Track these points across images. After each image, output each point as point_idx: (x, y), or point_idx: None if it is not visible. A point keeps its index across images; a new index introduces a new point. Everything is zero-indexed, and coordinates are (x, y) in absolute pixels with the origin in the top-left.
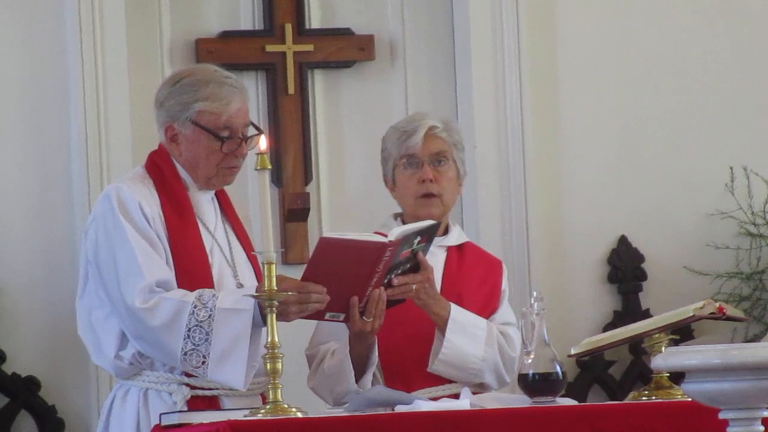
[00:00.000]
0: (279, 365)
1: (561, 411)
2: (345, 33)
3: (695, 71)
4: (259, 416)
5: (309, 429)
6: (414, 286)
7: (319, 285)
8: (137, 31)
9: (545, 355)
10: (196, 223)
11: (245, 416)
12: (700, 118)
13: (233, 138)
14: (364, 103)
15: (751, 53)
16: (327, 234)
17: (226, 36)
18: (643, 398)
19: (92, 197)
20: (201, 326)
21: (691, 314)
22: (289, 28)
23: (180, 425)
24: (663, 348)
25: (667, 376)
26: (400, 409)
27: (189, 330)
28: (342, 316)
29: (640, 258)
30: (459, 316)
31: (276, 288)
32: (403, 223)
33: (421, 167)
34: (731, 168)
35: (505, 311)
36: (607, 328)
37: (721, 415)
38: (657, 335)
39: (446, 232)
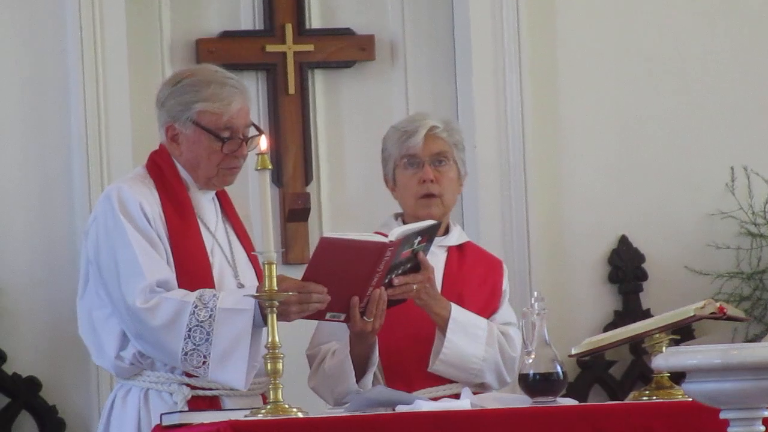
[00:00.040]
0: (280, 365)
1: (562, 411)
2: (345, 33)
3: (695, 71)
4: (260, 416)
5: (310, 429)
6: (415, 286)
7: (319, 285)
8: (137, 31)
9: (546, 355)
10: (197, 223)
11: (246, 416)
12: (701, 118)
13: (234, 138)
14: (364, 103)
15: (751, 53)
16: (328, 234)
17: (227, 36)
18: (644, 398)
19: (92, 197)
20: (202, 326)
21: (692, 314)
22: (289, 28)
23: (181, 425)
24: (664, 348)
25: (668, 376)
26: (401, 409)
27: (190, 330)
28: (343, 316)
29: (641, 258)
30: (460, 316)
31: (277, 288)
32: (404, 223)
33: (421, 167)
34: (732, 168)
35: (506, 311)
36: (607, 328)
37: (722, 415)
38: (657, 335)
39: (447, 232)
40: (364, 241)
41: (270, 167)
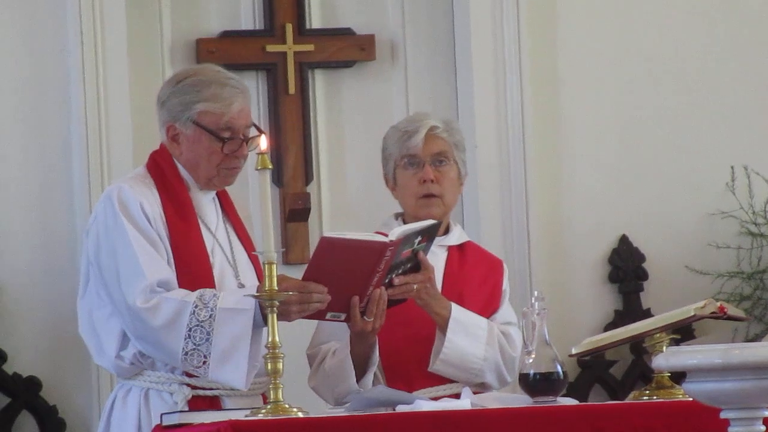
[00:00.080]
0: (280, 365)
1: (562, 411)
2: (345, 33)
3: (695, 71)
4: (260, 416)
5: (310, 429)
6: (415, 286)
7: (320, 285)
8: (138, 31)
9: (546, 354)
10: (198, 223)
11: (246, 416)
12: (701, 117)
13: (234, 139)
14: (364, 103)
15: (751, 53)
16: (328, 234)
17: (227, 36)
18: (644, 398)
19: (93, 197)
20: (202, 326)
21: (692, 314)
22: (289, 28)
23: (181, 425)
24: (664, 348)
25: (668, 376)
26: (401, 409)
27: (190, 330)
28: (343, 316)
29: (641, 257)
30: (460, 315)
31: (277, 288)
32: (404, 222)
33: (422, 167)
34: (732, 167)
35: (506, 311)
36: (608, 327)
37: (722, 415)
38: (658, 335)
39: (447, 231)
40: (365, 241)
41: (270, 167)
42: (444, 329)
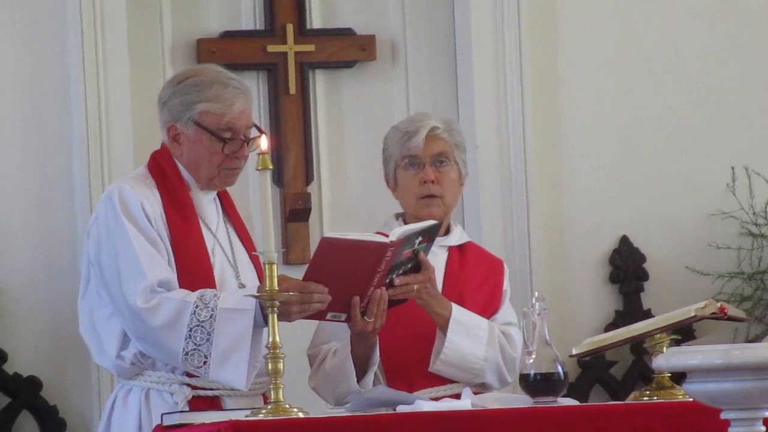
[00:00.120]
0: (280, 365)
1: (562, 411)
2: (346, 33)
3: (695, 71)
4: (261, 416)
5: (310, 429)
6: (415, 286)
7: (320, 285)
8: (138, 31)
9: (547, 355)
10: (198, 223)
11: (247, 416)
12: (701, 118)
13: (235, 139)
14: (365, 104)
15: (751, 53)
16: (328, 234)
17: (228, 36)
18: (645, 398)
19: (93, 197)
20: (202, 326)
21: (693, 314)
22: (290, 28)
23: (181, 425)
24: (664, 348)
25: (669, 377)
26: (402, 409)
27: (190, 330)
28: (343, 316)
29: (642, 258)
30: (460, 316)
31: (277, 288)
32: (405, 223)
33: (422, 168)
34: (732, 168)
35: (507, 311)
36: (608, 328)
37: (723, 416)
38: (658, 335)
39: (448, 232)
40: (365, 241)
41: (271, 167)
42: (444, 329)
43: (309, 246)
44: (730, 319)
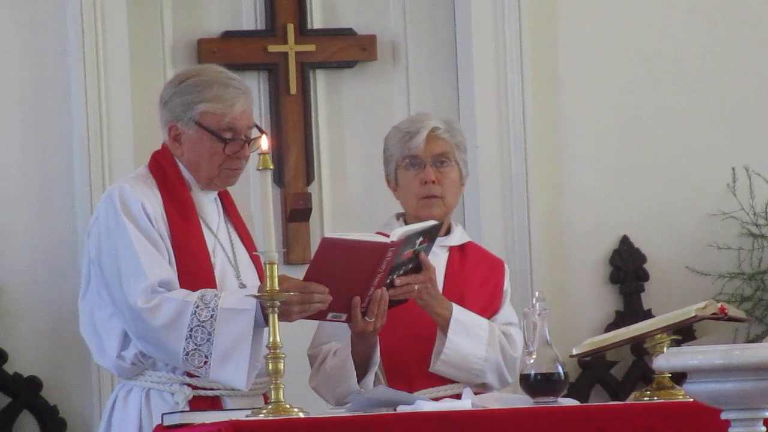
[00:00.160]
0: (281, 365)
1: (563, 411)
2: (347, 33)
3: (696, 71)
4: (261, 416)
5: (311, 429)
6: (416, 287)
7: (321, 285)
8: (139, 31)
9: (547, 355)
10: (199, 223)
11: (247, 416)
12: (702, 118)
13: (236, 140)
14: (365, 104)
15: (752, 53)
16: (329, 234)
17: (228, 36)
18: (645, 398)
19: (94, 197)
20: (203, 326)
21: (693, 315)
22: (291, 29)
23: (182, 425)
24: (665, 348)
25: (669, 377)
26: (402, 409)
27: (191, 330)
28: (344, 317)
29: (642, 258)
30: (461, 316)
31: (278, 288)
32: (405, 223)
33: (423, 168)
34: (733, 168)
35: (507, 311)
36: (609, 328)
37: (723, 416)
38: (659, 335)
39: (448, 232)
40: (366, 242)
41: (271, 167)
42: (445, 330)
43: (310, 246)
44: (731, 319)
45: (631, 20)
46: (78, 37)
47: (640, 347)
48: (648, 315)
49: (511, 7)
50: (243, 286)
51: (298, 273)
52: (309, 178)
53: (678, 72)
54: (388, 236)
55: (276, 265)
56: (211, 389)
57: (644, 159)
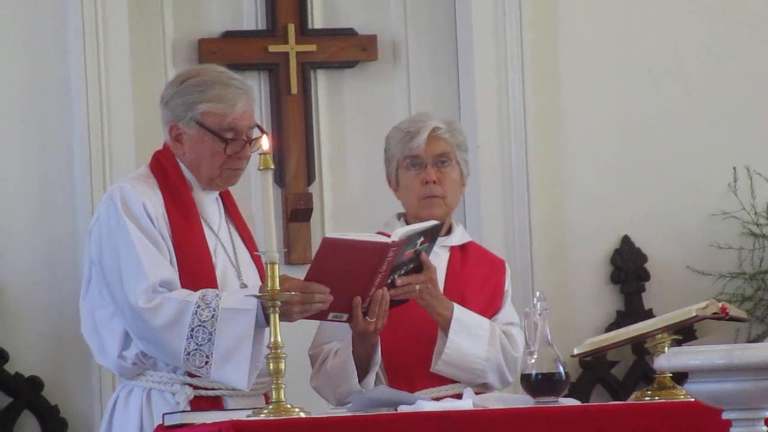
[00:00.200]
0: (282, 365)
1: (564, 411)
2: (348, 33)
3: (697, 71)
4: (262, 416)
5: (312, 429)
6: (417, 287)
7: (322, 285)
8: (140, 31)
9: (548, 355)
10: (200, 223)
11: (248, 416)
12: (702, 118)
13: (237, 140)
14: (366, 104)
15: (751, 53)
16: (330, 234)
17: (229, 36)
18: (646, 398)
19: (94, 197)
20: (204, 326)
21: (694, 314)
22: (291, 29)
23: (183, 425)
24: (666, 348)
25: (670, 377)
26: (403, 409)
27: (192, 330)
28: (345, 317)
29: (643, 258)
30: (462, 316)
31: (279, 288)
32: (406, 223)
33: (424, 168)
34: (734, 168)
35: (508, 311)
36: (610, 328)
37: (725, 416)
38: (660, 335)
39: (449, 232)
40: (367, 242)
41: (272, 167)
42: (446, 330)
43: (310, 246)
44: (732, 319)
45: (632, 20)
46: (78, 37)
47: (641, 347)
48: (649, 315)
49: (512, 7)
50: (244, 286)
51: (299, 273)
52: (310, 178)
53: (678, 72)
54: (389, 236)
55: (277, 265)
56: (212, 389)
57: (645, 159)
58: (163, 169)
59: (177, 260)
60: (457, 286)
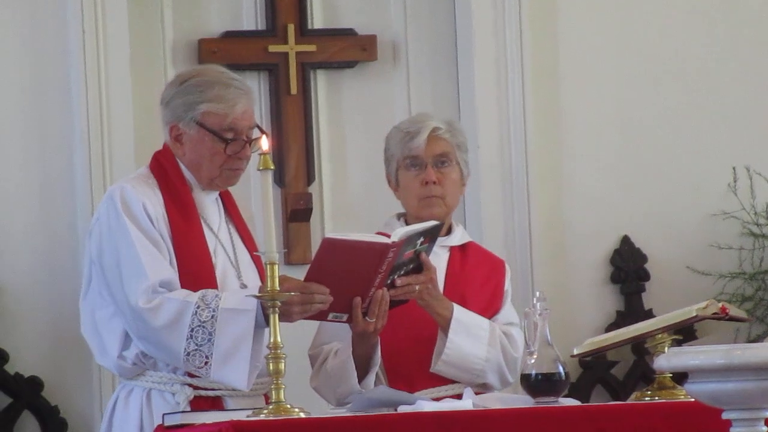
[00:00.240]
0: (282, 365)
1: (564, 411)
2: (347, 33)
3: (697, 71)
4: (262, 416)
5: (312, 429)
6: (417, 287)
7: (322, 285)
8: (140, 31)
9: (548, 355)
10: (200, 224)
11: (248, 416)
12: (702, 118)
13: (237, 140)
14: (366, 104)
15: (751, 53)
16: (330, 234)
17: (229, 36)
18: (646, 398)
19: (94, 197)
20: (204, 326)
21: (694, 314)
22: (291, 29)
23: (183, 425)
24: (666, 348)
25: (670, 377)
26: (403, 409)
27: (192, 330)
28: (345, 317)
29: (643, 258)
30: (462, 316)
31: (279, 288)
32: (406, 223)
33: (424, 168)
34: (734, 168)
35: (508, 311)
36: (610, 328)
37: (725, 416)
38: (660, 335)
39: (449, 232)
40: (367, 242)
41: (272, 167)
42: (446, 330)
43: (310, 246)
44: (732, 319)
45: (632, 20)
46: (78, 37)
47: (641, 347)
48: (649, 315)
49: (512, 6)
50: (244, 286)
51: (299, 273)
52: (309, 178)
53: (678, 72)
54: (388, 236)
55: (277, 266)
56: (212, 389)
57: (645, 159)
58: (163, 169)
59: (177, 260)
60: (457, 287)
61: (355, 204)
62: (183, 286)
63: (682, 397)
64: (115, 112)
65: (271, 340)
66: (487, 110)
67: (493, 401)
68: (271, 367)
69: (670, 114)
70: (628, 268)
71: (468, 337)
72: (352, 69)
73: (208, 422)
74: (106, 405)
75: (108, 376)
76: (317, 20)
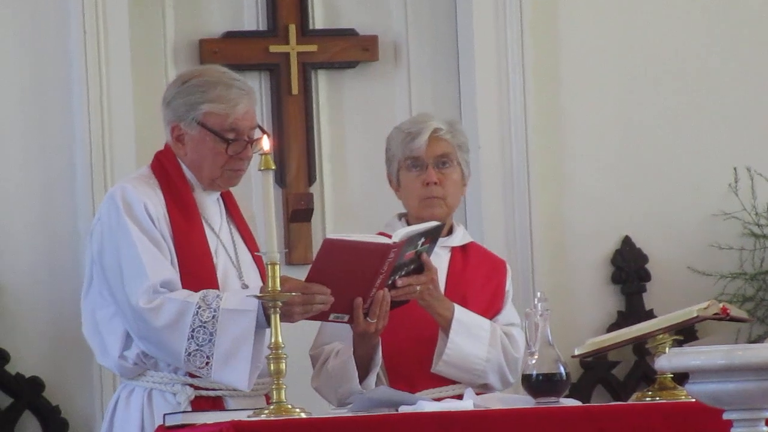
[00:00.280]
0: (283, 366)
1: (565, 411)
2: (349, 33)
3: (697, 71)
4: (263, 417)
5: (313, 429)
6: (418, 287)
7: (323, 286)
8: (141, 31)
9: (549, 355)
10: (201, 224)
11: (249, 417)
12: (703, 118)
13: (239, 140)
14: (367, 104)
15: (752, 53)
16: (331, 235)
17: (230, 36)
18: (647, 399)
19: (95, 197)
20: (205, 327)
21: (695, 315)
22: (292, 29)
23: (184, 426)
24: (667, 349)
25: (671, 377)
26: (404, 409)
27: (193, 330)
28: (346, 317)
29: (644, 258)
30: (463, 317)
31: (280, 289)
32: (407, 223)
33: (425, 169)
34: (735, 168)
35: (509, 312)
36: (610, 328)
37: (725, 416)
38: (661, 336)
39: (450, 232)
40: (368, 243)
41: (273, 168)
42: (447, 330)
43: (311, 247)
44: (733, 319)
45: (632, 21)
46: (79, 37)
47: (641, 347)
48: (650, 315)
49: (513, 7)
50: (245, 286)
51: (300, 274)
52: (310, 178)
53: (678, 72)
54: (390, 237)
55: (278, 266)
56: (213, 389)
57: (646, 159)
58: (165, 169)
59: (178, 261)
60: (458, 287)
61: (355, 204)
62: (184, 287)
63: (683, 397)
64: (116, 112)
65: (272, 340)
66: (488, 111)
67: (494, 402)
68: (272, 368)
69: (671, 114)
70: (629, 268)
71: (469, 338)
72: (354, 69)
73: (209, 422)
74: (107, 405)
75: (109, 376)
76: (318, 20)
